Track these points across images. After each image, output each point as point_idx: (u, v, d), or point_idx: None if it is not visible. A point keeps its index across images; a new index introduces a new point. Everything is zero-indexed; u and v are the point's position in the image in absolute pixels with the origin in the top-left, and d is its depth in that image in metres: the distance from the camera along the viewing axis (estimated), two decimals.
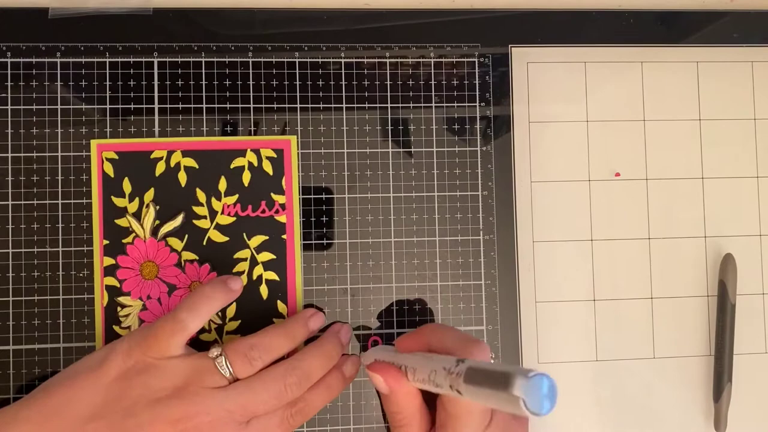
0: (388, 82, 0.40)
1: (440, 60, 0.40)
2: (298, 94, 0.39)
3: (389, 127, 0.39)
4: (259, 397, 0.32)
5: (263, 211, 0.38)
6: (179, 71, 0.38)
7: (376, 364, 0.34)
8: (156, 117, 0.38)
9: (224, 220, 0.38)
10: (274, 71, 0.39)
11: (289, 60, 0.39)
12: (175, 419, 0.31)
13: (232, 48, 0.39)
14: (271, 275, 0.38)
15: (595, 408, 0.40)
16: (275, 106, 0.39)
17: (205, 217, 0.38)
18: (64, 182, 0.37)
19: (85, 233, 0.37)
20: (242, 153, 0.38)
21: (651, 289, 0.41)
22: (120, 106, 0.38)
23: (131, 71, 0.38)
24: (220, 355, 0.33)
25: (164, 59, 0.38)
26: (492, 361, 0.38)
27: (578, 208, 0.41)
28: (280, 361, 0.34)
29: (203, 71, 0.38)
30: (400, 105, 0.40)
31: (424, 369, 0.30)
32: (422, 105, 0.40)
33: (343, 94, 0.39)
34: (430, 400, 0.34)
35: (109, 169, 0.38)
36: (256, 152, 0.38)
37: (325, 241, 0.39)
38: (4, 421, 0.31)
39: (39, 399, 0.32)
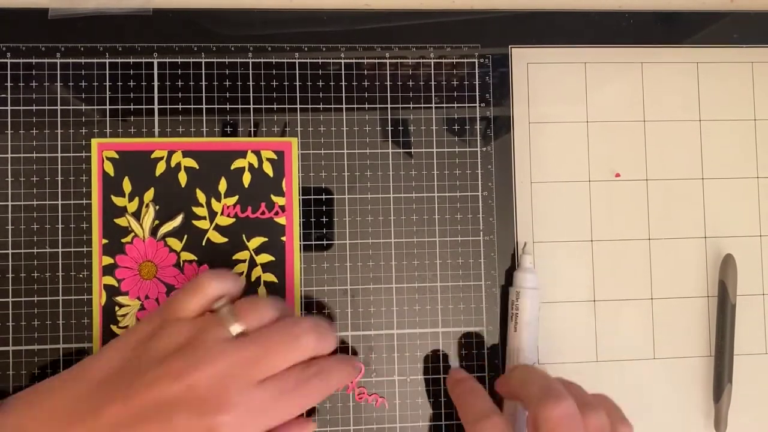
0: (388, 83, 0.40)
1: (440, 60, 0.40)
2: (298, 94, 0.39)
3: (389, 128, 0.39)
4: (268, 348, 0.31)
5: (263, 213, 0.38)
6: (179, 72, 0.38)
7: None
8: (156, 118, 0.38)
9: (224, 221, 0.38)
10: (274, 72, 0.39)
11: (289, 60, 0.39)
12: (177, 373, 0.30)
13: (232, 48, 0.39)
14: (270, 277, 0.38)
15: None
16: (275, 106, 0.39)
17: (204, 218, 0.38)
18: (64, 182, 0.37)
19: (84, 234, 0.37)
20: (243, 154, 0.38)
21: (651, 290, 0.41)
22: (120, 106, 0.38)
23: (131, 72, 0.38)
24: (225, 305, 0.32)
25: (164, 60, 0.38)
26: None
27: (578, 209, 0.40)
28: None
29: (203, 72, 0.38)
30: (400, 105, 0.40)
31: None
32: (422, 105, 0.40)
33: (343, 94, 0.39)
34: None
35: (110, 168, 0.38)
36: (257, 154, 0.38)
37: (325, 242, 0.39)
38: (44, 389, 0.33)
39: (74, 368, 0.33)
